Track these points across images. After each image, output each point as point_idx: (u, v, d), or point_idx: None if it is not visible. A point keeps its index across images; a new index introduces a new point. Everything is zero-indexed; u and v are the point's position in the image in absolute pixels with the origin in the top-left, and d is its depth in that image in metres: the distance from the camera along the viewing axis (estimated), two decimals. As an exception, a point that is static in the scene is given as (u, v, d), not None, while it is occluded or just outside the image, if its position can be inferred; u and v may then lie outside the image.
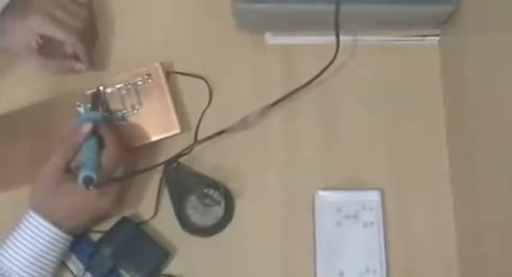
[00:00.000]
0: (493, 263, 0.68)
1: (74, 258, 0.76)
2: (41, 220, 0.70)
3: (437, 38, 0.84)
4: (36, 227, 0.70)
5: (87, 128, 0.73)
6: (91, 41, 0.82)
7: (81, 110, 0.81)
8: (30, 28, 0.76)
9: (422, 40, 0.85)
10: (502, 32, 0.66)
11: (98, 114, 0.77)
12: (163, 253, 0.76)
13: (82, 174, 0.69)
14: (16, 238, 0.70)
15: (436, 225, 0.78)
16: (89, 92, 0.81)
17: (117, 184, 0.74)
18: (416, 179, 0.80)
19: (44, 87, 0.84)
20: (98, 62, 0.83)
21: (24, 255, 0.70)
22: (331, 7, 0.77)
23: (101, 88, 0.82)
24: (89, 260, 0.75)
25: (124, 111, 0.81)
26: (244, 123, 0.79)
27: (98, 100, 0.80)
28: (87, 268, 0.75)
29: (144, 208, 0.79)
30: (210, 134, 0.80)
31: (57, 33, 0.77)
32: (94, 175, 0.69)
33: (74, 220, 0.73)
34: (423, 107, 0.82)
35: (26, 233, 0.70)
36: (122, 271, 0.76)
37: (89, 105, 0.80)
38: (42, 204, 0.71)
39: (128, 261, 0.75)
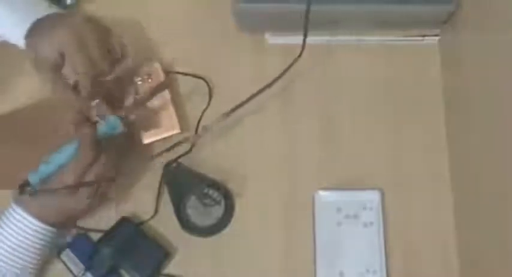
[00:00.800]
0: (493, 263, 0.68)
1: (74, 258, 0.76)
2: (20, 211, 0.70)
3: (437, 38, 0.84)
4: (16, 218, 0.70)
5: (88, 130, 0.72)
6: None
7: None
8: (56, 42, 0.72)
9: (422, 40, 0.85)
10: (501, 32, 0.66)
11: (119, 127, 0.74)
12: (163, 253, 0.76)
13: (30, 175, 0.70)
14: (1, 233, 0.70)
15: (436, 225, 0.78)
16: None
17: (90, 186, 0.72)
18: (416, 179, 0.80)
19: (44, 87, 0.84)
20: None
21: (3, 245, 0.69)
22: (332, 7, 0.77)
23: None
24: (89, 260, 0.75)
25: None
26: (205, 131, 0.76)
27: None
28: (87, 268, 0.75)
29: (144, 208, 0.79)
30: (210, 134, 0.79)
31: (77, 63, 0.72)
32: (36, 184, 0.70)
33: (50, 214, 0.71)
34: (423, 107, 0.82)
35: (6, 225, 0.70)
36: (122, 271, 0.76)
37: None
38: (22, 198, 0.71)
39: (128, 261, 0.75)
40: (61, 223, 0.73)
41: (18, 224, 0.70)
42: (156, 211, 0.79)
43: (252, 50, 0.85)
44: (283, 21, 0.82)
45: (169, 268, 0.77)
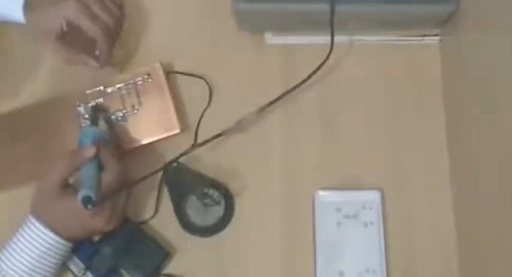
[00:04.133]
0: (493, 263, 0.68)
1: (74, 257, 0.76)
2: (40, 226, 0.70)
3: (437, 38, 0.84)
4: (36, 233, 0.70)
5: (90, 151, 0.72)
6: (114, 41, 0.81)
7: (81, 110, 0.81)
8: (62, 12, 0.75)
9: (422, 40, 0.85)
10: (501, 32, 0.66)
11: (97, 132, 0.77)
12: (163, 253, 0.76)
13: (81, 193, 0.68)
14: (15, 243, 0.70)
15: (436, 225, 0.78)
16: (89, 91, 0.81)
17: (110, 203, 0.72)
18: (416, 179, 0.80)
19: (44, 87, 0.84)
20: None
21: (22, 260, 0.69)
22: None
23: (101, 87, 0.82)
24: (90, 260, 0.75)
25: (124, 111, 0.81)
26: (240, 125, 0.79)
27: (96, 114, 0.79)
28: (88, 268, 0.75)
29: (144, 208, 0.79)
30: (210, 134, 0.80)
31: (86, 24, 0.75)
32: (93, 195, 0.68)
33: (70, 231, 0.72)
34: (423, 107, 0.82)
35: (25, 239, 0.70)
36: (122, 271, 0.76)
37: (90, 104, 0.80)
38: (42, 212, 0.71)
39: (128, 260, 0.75)
40: (79, 238, 0.74)
41: (39, 240, 0.70)
42: (156, 211, 0.79)
43: (252, 50, 0.85)
44: (283, 21, 0.82)
45: (169, 268, 0.77)
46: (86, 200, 0.68)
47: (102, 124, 0.79)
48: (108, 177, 0.72)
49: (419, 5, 0.78)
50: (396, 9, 0.79)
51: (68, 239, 0.72)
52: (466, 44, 0.77)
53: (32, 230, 0.70)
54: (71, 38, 0.78)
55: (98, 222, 0.72)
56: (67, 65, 0.80)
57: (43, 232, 0.70)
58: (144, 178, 0.76)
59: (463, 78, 0.77)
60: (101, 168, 0.73)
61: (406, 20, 0.82)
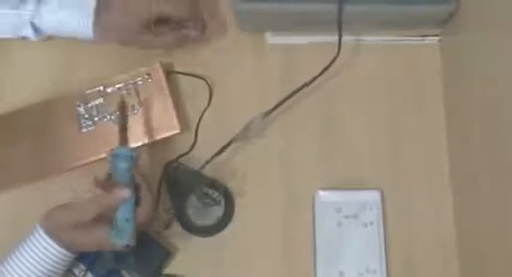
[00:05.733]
0: (493, 263, 0.68)
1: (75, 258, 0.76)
2: (53, 243, 0.68)
3: (437, 38, 0.84)
4: (46, 249, 0.68)
5: (126, 194, 0.67)
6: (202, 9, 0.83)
7: (81, 110, 0.81)
8: (147, 5, 0.76)
9: (422, 40, 0.85)
10: (502, 32, 0.66)
11: (132, 153, 0.70)
12: (164, 254, 0.76)
13: (119, 243, 0.66)
14: (23, 256, 0.68)
15: (436, 225, 0.78)
16: (89, 91, 0.81)
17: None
18: (416, 179, 0.80)
19: (44, 87, 0.84)
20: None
21: (29, 273, 0.68)
22: (332, 7, 0.77)
23: (101, 87, 0.82)
24: (90, 261, 0.75)
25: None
26: (247, 131, 0.78)
27: (124, 117, 0.73)
28: (89, 269, 0.75)
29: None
30: (210, 134, 0.80)
31: (171, 11, 0.77)
32: (132, 242, 0.67)
33: (85, 248, 0.71)
34: (423, 107, 0.82)
35: (34, 253, 0.68)
36: (123, 272, 0.76)
37: (91, 104, 0.80)
38: (58, 233, 0.68)
39: (130, 261, 0.75)
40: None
41: (50, 255, 0.68)
42: (156, 211, 0.79)
43: (252, 50, 0.85)
44: (283, 21, 0.82)
45: (169, 268, 0.77)
46: (126, 248, 0.67)
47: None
48: (144, 211, 0.69)
49: (419, 5, 0.78)
50: (396, 9, 0.79)
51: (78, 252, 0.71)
52: (466, 44, 0.77)
53: (44, 247, 0.68)
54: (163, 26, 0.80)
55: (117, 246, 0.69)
56: (170, 48, 0.82)
57: (57, 250, 0.68)
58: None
59: (463, 78, 0.77)
60: (138, 199, 0.69)
61: (406, 20, 0.82)
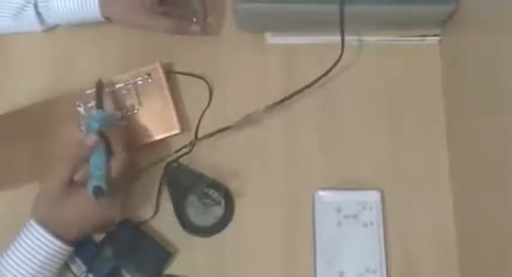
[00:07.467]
0: (493, 263, 0.68)
1: (75, 259, 0.75)
2: (44, 232, 0.69)
3: (437, 38, 0.84)
4: (38, 239, 0.69)
5: (91, 139, 0.70)
6: (209, 5, 0.83)
7: (81, 110, 0.81)
8: None
9: (422, 40, 0.85)
10: (502, 32, 0.66)
11: (104, 114, 0.75)
12: (165, 255, 0.76)
13: (91, 184, 0.68)
14: (17, 249, 0.69)
15: (436, 225, 0.78)
16: (89, 91, 0.81)
17: (122, 191, 0.73)
18: (416, 179, 0.80)
19: (44, 87, 0.84)
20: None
21: (24, 266, 0.68)
22: (332, 7, 0.77)
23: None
24: (91, 261, 0.75)
25: (124, 111, 0.81)
26: (248, 120, 0.79)
27: (101, 92, 0.77)
28: (89, 270, 0.75)
29: (144, 208, 0.79)
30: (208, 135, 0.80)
31: None
32: (104, 185, 0.68)
33: (79, 230, 0.71)
34: (423, 107, 0.83)
35: (27, 244, 0.69)
36: (123, 272, 0.76)
37: (91, 104, 0.80)
38: (46, 217, 0.69)
39: (130, 261, 0.75)
40: (83, 236, 0.73)
41: (44, 247, 0.69)
42: (156, 211, 0.79)
43: (252, 50, 0.85)
44: (283, 21, 0.82)
45: (169, 268, 0.77)
46: (97, 191, 0.68)
47: (108, 102, 0.78)
48: (117, 162, 0.71)
49: (419, 5, 0.78)
50: (396, 9, 0.79)
51: (73, 242, 0.71)
52: (466, 44, 0.77)
53: (35, 237, 0.69)
54: (169, 10, 0.81)
55: (114, 212, 0.71)
56: (170, 34, 0.82)
57: (48, 240, 0.69)
58: (151, 165, 0.77)
59: (463, 78, 0.77)
60: (110, 152, 0.72)
61: (406, 20, 0.82)
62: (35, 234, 0.69)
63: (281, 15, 0.80)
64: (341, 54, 0.79)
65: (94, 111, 0.77)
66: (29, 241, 0.69)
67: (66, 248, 0.71)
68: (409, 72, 0.84)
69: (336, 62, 0.79)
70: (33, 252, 0.69)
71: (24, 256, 0.68)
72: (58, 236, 0.69)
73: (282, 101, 0.79)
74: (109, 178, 0.70)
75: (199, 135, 0.81)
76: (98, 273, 0.75)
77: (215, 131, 0.79)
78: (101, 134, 0.71)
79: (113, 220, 0.74)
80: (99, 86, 0.78)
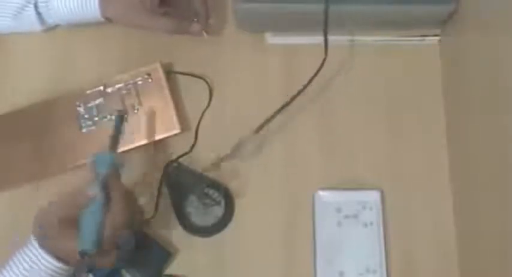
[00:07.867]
0: (493, 263, 0.68)
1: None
2: (43, 253, 0.66)
3: (437, 38, 0.84)
4: (38, 259, 0.66)
5: (93, 193, 0.66)
6: (210, 6, 0.83)
7: (81, 110, 0.81)
8: None
9: (422, 40, 0.85)
10: (502, 32, 0.66)
11: (115, 160, 0.69)
12: (165, 255, 0.76)
13: (79, 246, 0.64)
14: (16, 266, 0.66)
15: (436, 225, 0.78)
16: (89, 91, 0.81)
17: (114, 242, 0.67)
18: (416, 179, 0.80)
19: (44, 87, 0.84)
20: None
21: None
22: (332, 7, 0.77)
23: (101, 87, 0.82)
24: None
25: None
26: (237, 151, 0.79)
27: (120, 130, 0.73)
28: (90, 270, 0.74)
29: (144, 208, 0.79)
30: (210, 134, 0.80)
31: None
32: (90, 250, 0.63)
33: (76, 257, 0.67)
34: (423, 107, 0.82)
35: (27, 263, 0.66)
36: (124, 272, 0.76)
37: (91, 104, 0.80)
38: (45, 242, 0.66)
39: (130, 262, 0.75)
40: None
41: (45, 269, 0.65)
42: (156, 211, 0.79)
43: (252, 50, 0.85)
44: (283, 21, 0.82)
45: (169, 268, 0.77)
46: (83, 254, 0.64)
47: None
48: (113, 216, 0.66)
49: (419, 5, 0.78)
50: (396, 9, 0.79)
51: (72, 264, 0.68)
52: (466, 44, 0.77)
53: (33, 254, 0.66)
54: (169, 11, 0.81)
55: (103, 263, 0.67)
56: (172, 34, 0.81)
57: (45, 259, 0.66)
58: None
59: (463, 78, 0.77)
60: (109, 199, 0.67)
61: (406, 20, 0.82)
62: (34, 251, 0.66)
63: (281, 15, 0.80)
64: (324, 59, 0.77)
65: (105, 154, 0.70)
66: (27, 259, 0.66)
67: (65, 268, 0.67)
68: (409, 72, 0.84)
69: (320, 66, 0.78)
70: (31, 271, 0.66)
71: (23, 275, 0.66)
72: (61, 260, 0.66)
73: (268, 121, 0.78)
74: (101, 234, 0.65)
75: (200, 135, 0.81)
76: (98, 273, 0.75)
77: (218, 160, 0.80)
78: (104, 182, 0.67)
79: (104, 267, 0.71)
80: (120, 120, 0.74)
